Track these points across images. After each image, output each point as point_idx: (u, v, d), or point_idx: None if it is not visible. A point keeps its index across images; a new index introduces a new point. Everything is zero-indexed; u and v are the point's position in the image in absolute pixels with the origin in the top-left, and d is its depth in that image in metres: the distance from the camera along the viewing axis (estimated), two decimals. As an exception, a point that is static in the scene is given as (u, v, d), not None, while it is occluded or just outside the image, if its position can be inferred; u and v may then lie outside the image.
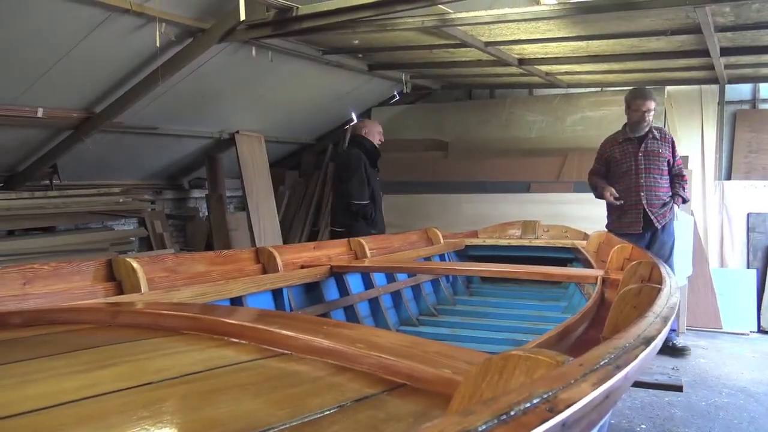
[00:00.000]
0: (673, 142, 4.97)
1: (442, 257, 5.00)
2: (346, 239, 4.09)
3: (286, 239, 7.72)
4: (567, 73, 6.18)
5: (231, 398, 0.82)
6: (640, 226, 4.80)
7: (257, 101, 6.55)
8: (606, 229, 4.89)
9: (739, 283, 5.98)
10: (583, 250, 4.43)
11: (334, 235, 5.21)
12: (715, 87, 6.45)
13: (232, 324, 1.11)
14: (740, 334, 5.69)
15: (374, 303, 3.82)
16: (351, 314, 3.56)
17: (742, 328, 5.75)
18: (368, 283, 3.87)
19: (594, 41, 4.72)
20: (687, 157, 6.11)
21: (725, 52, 4.92)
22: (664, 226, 4.85)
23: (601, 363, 0.69)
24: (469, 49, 4.98)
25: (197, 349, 1.06)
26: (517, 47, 5.08)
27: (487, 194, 6.88)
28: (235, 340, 1.09)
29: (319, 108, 7.45)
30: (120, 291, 2.16)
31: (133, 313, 1.26)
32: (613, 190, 4.92)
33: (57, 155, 5.57)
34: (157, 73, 4.88)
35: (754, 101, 6.65)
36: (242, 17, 4.24)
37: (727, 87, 6.41)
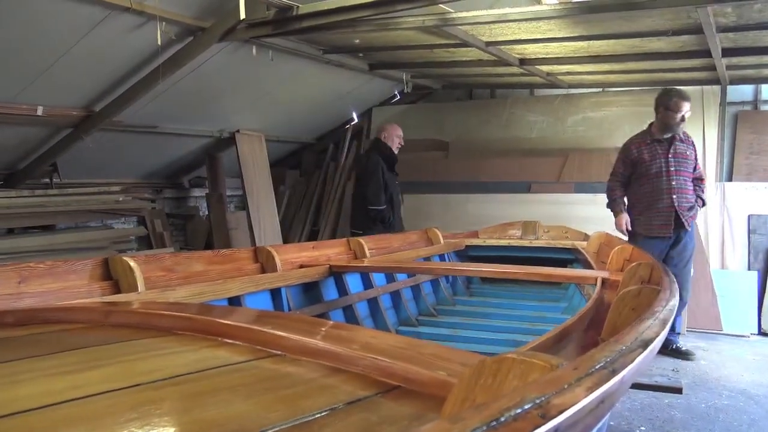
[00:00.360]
0: (694, 145, 4.92)
1: (442, 257, 4.99)
2: (345, 239, 4.08)
3: (287, 239, 7.71)
4: (568, 73, 6.17)
5: (222, 400, 0.81)
6: (671, 228, 4.72)
7: (258, 100, 6.54)
8: (615, 232, 4.84)
9: (740, 285, 5.96)
10: (583, 251, 4.41)
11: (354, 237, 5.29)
12: (716, 88, 6.42)
13: (226, 324, 1.09)
14: (741, 336, 5.67)
15: (373, 303, 3.81)
16: (350, 314, 3.55)
17: (742, 330, 5.73)
18: (367, 283, 3.86)
19: (595, 41, 4.71)
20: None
21: (727, 52, 4.90)
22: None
23: (597, 366, 0.68)
24: (469, 48, 4.97)
25: (190, 349, 1.04)
26: (518, 47, 5.07)
27: (488, 194, 6.87)
28: (228, 340, 1.07)
29: (320, 107, 7.44)
30: (117, 290, 2.15)
31: (126, 312, 1.25)
32: (628, 219, 4.87)
33: (57, 153, 5.57)
34: (157, 72, 4.87)
35: (756, 102, 6.63)
36: (242, 16, 4.23)
37: (729, 88, 6.39)
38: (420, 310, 4.30)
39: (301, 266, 3.39)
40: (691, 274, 5.03)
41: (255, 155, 7.14)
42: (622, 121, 6.72)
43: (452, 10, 4.09)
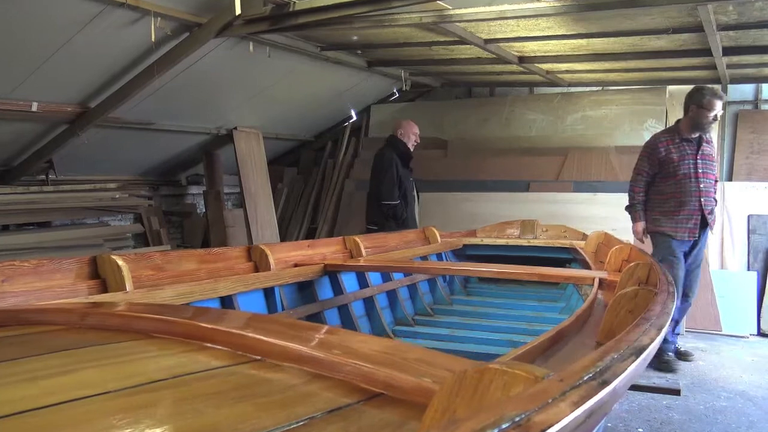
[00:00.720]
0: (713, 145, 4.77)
1: (439, 256, 4.95)
2: (341, 237, 4.04)
3: (284, 236, 7.68)
4: (567, 71, 6.12)
5: (192, 409, 0.77)
6: (698, 231, 4.58)
7: (255, 97, 6.50)
8: (614, 232, 4.77)
9: (739, 286, 5.92)
10: (581, 251, 4.38)
11: (369, 233, 5.36)
12: (716, 87, 6.38)
13: (206, 328, 1.05)
14: (740, 337, 5.63)
15: (369, 302, 3.78)
16: (345, 314, 3.51)
17: (741, 330, 5.69)
18: (363, 283, 3.82)
19: (595, 39, 4.66)
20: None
21: (727, 51, 4.85)
22: None
23: (585, 378, 0.64)
24: (468, 46, 4.93)
25: (166, 354, 1.00)
26: (517, 45, 5.02)
27: (487, 193, 6.83)
28: (208, 344, 1.04)
29: (318, 105, 7.40)
30: (104, 289, 2.11)
31: (104, 314, 1.21)
32: (643, 229, 4.73)
33: (52, 150, 5.53)
34: (153, 68, 4.84)
35: (756, 102, 6.59)
36: (237, 11, 4.19)
37: (729, 87, 6.34)
38: (417, 310, 4.27)
39: (296, 265, 3.35)
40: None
41: (252, 152, 7.10)
42: (621, 119, 6.68)
43: (450, 7, 4.05)
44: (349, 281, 3.70)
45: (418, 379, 0.89)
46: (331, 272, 3.51)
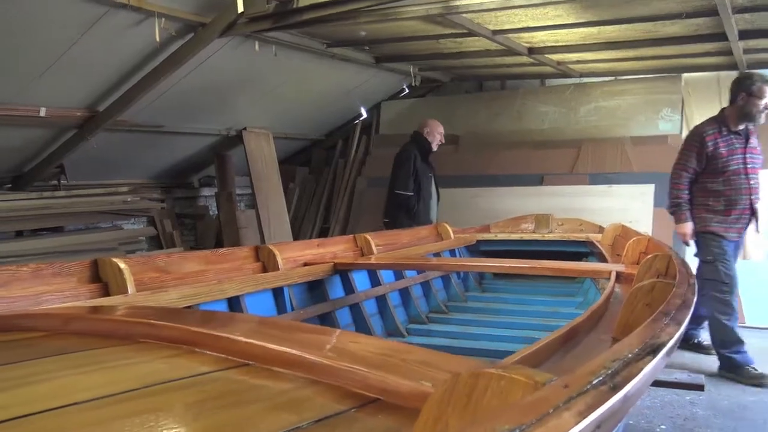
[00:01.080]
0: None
1: (452, 253, 4.87)
2: (352, 236, 3.98)
3: (297, 236, 7.63)
4: (579, 61, 6.01)
5: (164, 423, 0.71)
6: (744, 230, 4.30)
7: (264, 97, 6.46)
8: (632, 224, 4.63)
9: (763, 276, 5.77)
10: (597, 244, 4.28)
11: (385, 226, 5.50)
12: (734, 73, 6.22)
13: (193, 331, 1.00)
14: (764, 329, 5.48)
15: (381, 301, 3.71)
16: (357, 313, 3.46)
17: (766, 322, 5.54)
18: (375, 281, 3.76)
19: (605, 27, 4.55)
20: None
21: (744, 35, 4.71)
22: None
23: (594, 382, 0.57)
24: (476, 38, 4.84)
25: (147, 360, 0.95)
26: (525, 35, 4.92)
27: (500, 188, 6.73)
28: (197, 349, 0.98)
29: (328, 103, 7.34)
30: (106, 292, 2.07)
31: (88, 320, 1.16)
32: (691, 231, 4.33)
33: (62, 155, 5.53)
34: (159, 70, 4.81)
35: (775, 87, 6.41)
36: (240, 9, 4.14)
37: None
38: (431, 307, 4.20)
39: (305, 264, 3.30)
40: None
41: (263, 153, 7.06)
42: (636, 109, 6.55)
43: (456, -2, 3.98)
44: (360, 280, 3.63)
45: (416, 382, 0.83)
46: (342, 271, 3.45)
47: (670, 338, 0.86)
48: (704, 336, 4.93)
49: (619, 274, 2.81)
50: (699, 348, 4.71)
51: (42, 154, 5.54)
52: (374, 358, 0.92)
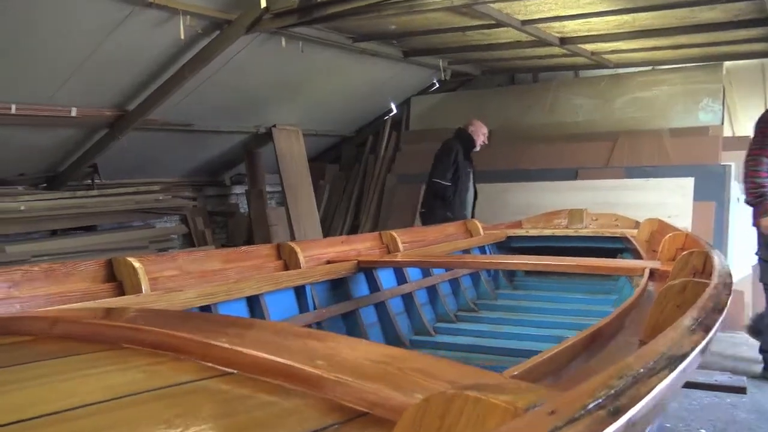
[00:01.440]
0: None
1: (482, 250, 4.76)
2: (378, 233, 3.90)
3: (327, 233, 7.61)
4: (614, 51, 5.81)
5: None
6: None
7: (292, 94, 6.44)
8: (670, 219, 4.39)
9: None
10: (632, 240, 4.12)
11: (421, 216, 5.73)
12: (779, 61, 5.96)
13: (176, 337, 0.94)
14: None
15: (408, 299, 3.64)
16: (382, 311, 3.39)
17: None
18: (401, 278, 3.68)
19: (640, 14, 4.37)
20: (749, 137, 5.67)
21: (789, 19, 4.48)
22: None
23: (589, 406, 0.48)
24: (505, 29, 4.71)
25: (125, 368, 0.89)
26: (556, 25, 4.77)
27: (532, 183, 6.58)
28: (182, 356, 0.92)
29: (357, 99, 7.29)
30: (121, 292, 2.05)
31: (73, 323, 1.12)
32: None
33: (95, 154, 5.60)
34: (186, 68, 4.82)
35: (824, 74, 6.12)
36: (263, 5, 4.11)
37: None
38: (459, 306, 4.11)
39: (328, 262, 3.24)
40: (734, 255, 4.48)
41: (292, 150, 7.05)
42: (674, 100, 6.32)
43: (482, -13, 3.87)
44: (385, 277, 3.56)
45: (409, 396, 0.75)
46: (366, 269, 3.39)
47: (694, 348, 0.76)
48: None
49: (653, 272, 2.67)
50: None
51: (75, 154, 5.62)
52: (370, 367, 0.85)
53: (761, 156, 3.92)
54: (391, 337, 3.33)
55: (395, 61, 6.37)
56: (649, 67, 6.56)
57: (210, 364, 0.89)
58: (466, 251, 4.46)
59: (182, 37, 4.26)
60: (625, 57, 6.10)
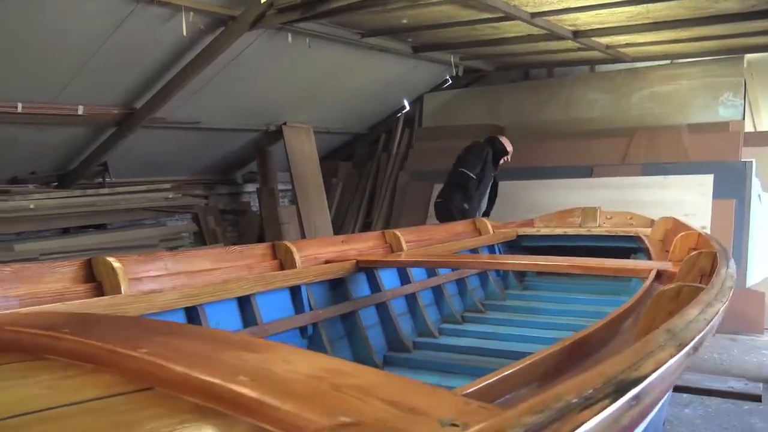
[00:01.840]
0: None
1: (490, 249, 4.65)
2: (381, 231, 3.81)
3: (339, 231, 7.54)
4: (629, 44, 5.64)
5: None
6: None
7: (302, 91, 6.38)
8: (686, 218, 4.24)
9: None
10: (645, 239, 3.97)
11: (436, 206, 5.75)
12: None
13: (95, 346, 0.87)
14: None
15: (411, 299, 3.54)
16: (384, 312, 3.31)
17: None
18: (404, 278, 3.59)
19: (654, 5, 4.21)
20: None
21: (813, 9, 4.29)
22: None
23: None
24: (514, 22, 4.59)
25: (32, 382, 0.82)
26: (567, 17, 4.63)
27: (547, 180, 6.43)
28: (101, 367, 0.85)
29: (368, 96, 7.20)
30: (101, 293, 1.99)
31: (-2, 330, 1.06)
32: None
33: (104, 153, 5.60)
34: (192, 65, 4.78)
35: None
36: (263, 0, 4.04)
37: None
38: (466, 306, 4.01)
39: (327, 262, 3.16)
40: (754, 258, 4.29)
41: (303, 148, 6.99)
42: (694, 94, 6.13)
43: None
44: (388, 277, 3.47)
45: (333, 419, 0.67)
46: (367, 269, 3.30)
47: (654, 371, 0.65)
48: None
49: (660, 273, 2.55)
50: None
51: (84, 152, 5.62)
52: (300, 383, 0.77)
53: None
54: (393, 339, 3.25)
55: (406, 57, 6.27)
56: (668, 61, 6.38)
57: (127, 378, 0.81)
58: (474, 250, 4.36)
59: (185, 33, 4.21)
60: (642, 50, 5.93)
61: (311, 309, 2.91)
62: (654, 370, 0.65)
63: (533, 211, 5.50)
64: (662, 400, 1.28)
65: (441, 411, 0.55)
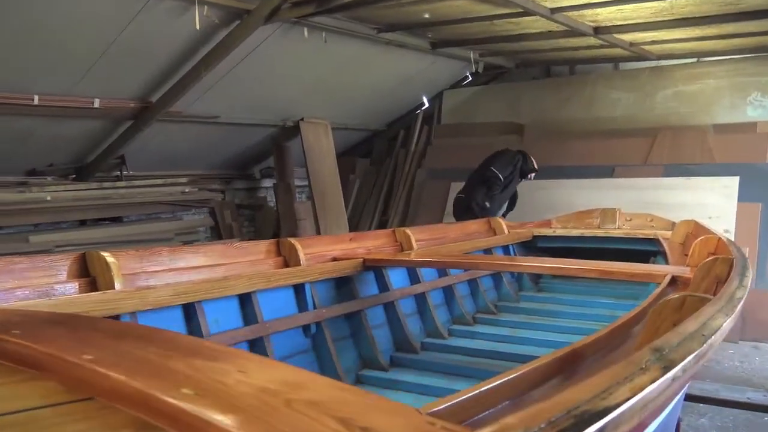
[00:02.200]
0: None
1: (505, 249, 4.55)
2: (391, 230, 3.74)
3: (355, 228, 7.49)
4: (654, 42, 5.49)
5: None
6: None
7: (319, 86, 6.33)
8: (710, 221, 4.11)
9: None
10: (664, 243, 3.84)
11: (456, 201, 5.74)
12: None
13: (39, 351, 0.82)
14: None
15: (420, 299, 3.47)
16: (391, 312, 3.24)
17: None
18: (414, 278, 3.52)
19: (679, 0, 4.07)
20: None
21: None
22: None
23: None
24: (533, 17, 4.48)
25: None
26: (588, 12, 4.50)
27: (567, 180, 6.30)
28: (45, 374, 0.79)
29: (386, 92, 7.13)
30: (94, 288, 1.96)
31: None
32: None
33: (121, 146, 5.62)
34: (208, 59, 4.76)
35: None
36: (278, -7, 3.99)
37: None
38: (478, 308, 3.93)
39: (334, 260, 3.11)
40: None
41: (320, 144, 6.95)
42: (720, 94, 5.95)
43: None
44: (396, 277, 3.40)
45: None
46: (375, 267, 3.23)
47: (629, 398, 0.56)
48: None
49: (675, 279, 2.45)
50: None
51: (101, 145, 5.64)
52: (250, 397, 0.71)
53: None
54: (400, 340, 3.18)
55: (424, 53, 6.19)
56: (694, 59, 6.20)
57: (69, 387, 0.76)
58: (488, 251, 4.27)
59: (197, 27, 4.19)
60: (667, 48, 5.77)
61: (315, 308, 2.85)
62: (627, 399, 0.57)
63: (552, 212, 5.38)
64: (669, 406, 1.19)
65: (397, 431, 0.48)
